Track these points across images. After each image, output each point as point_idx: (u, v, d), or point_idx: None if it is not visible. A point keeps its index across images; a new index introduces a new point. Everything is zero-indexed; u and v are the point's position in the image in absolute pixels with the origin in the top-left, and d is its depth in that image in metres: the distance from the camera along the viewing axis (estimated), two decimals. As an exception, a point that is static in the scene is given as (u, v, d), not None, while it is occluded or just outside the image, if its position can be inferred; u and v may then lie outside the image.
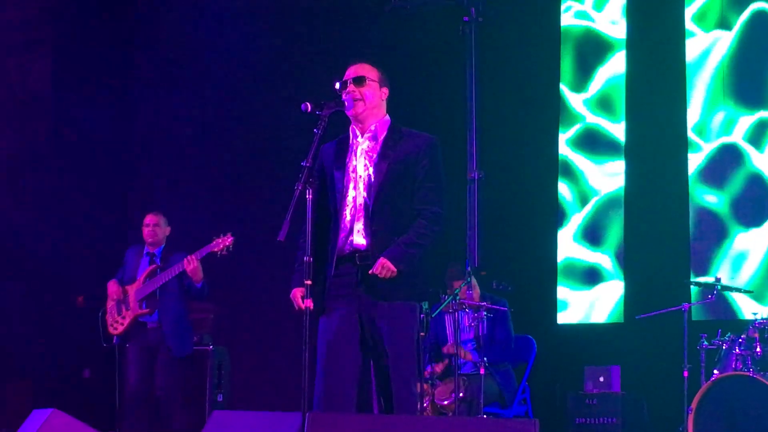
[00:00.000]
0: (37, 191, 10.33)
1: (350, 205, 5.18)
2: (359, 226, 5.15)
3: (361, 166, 5.21)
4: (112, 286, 8.28)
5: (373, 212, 5.13)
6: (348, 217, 5.17)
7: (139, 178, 11.04)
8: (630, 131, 10.10)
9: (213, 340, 9.45)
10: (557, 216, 10.28)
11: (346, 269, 5.16)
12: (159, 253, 8.36)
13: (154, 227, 8.38)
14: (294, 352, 9.77)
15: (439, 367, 8.16)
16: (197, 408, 8.99)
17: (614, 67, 10.25)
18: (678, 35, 9.92)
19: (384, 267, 5.03)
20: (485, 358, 7.83)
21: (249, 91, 10.86)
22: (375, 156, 5.20)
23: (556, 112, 10.41)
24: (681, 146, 9.78)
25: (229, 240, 8.00)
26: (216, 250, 8.00)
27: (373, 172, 5.17)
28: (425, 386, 7.82)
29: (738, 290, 8.40)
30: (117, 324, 8.22)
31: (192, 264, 7.99)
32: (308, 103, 5.05)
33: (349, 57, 5.46)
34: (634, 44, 10.20)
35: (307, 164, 4.89)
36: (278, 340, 10.09)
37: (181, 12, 11.04)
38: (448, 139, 5.69)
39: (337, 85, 5.22)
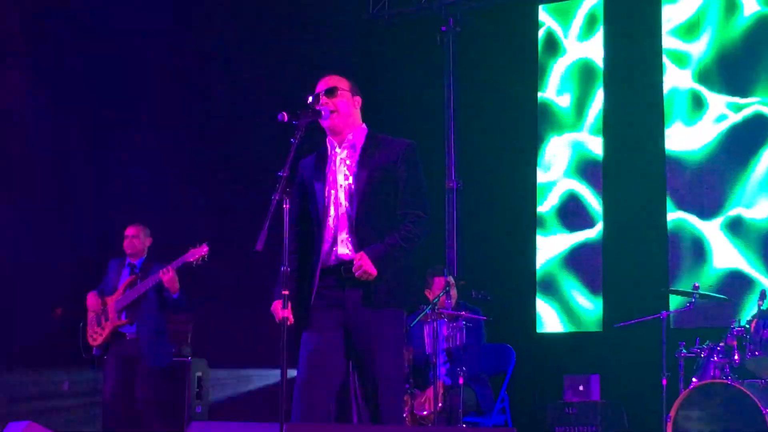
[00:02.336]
0: (12, 202, 10.28)
1: (333, 216, 5.16)
2: (343, 236, 5.13)
3: (341, 176, 5.20)
4: (91, 298, 8.27)
5: (356, 221, 5.11)
6: (331, 228, 5.15)
7: (118, 188, 10.99)
8: (608, 143, 10.14)
9: (192, 351, 9.42)
10: (536, 225, 10.30)
11: (332, 281, 5.13)
12: (139, 264, 8.34)
13: (133, 239, 8.37)
14: (272, 364, 9.78)
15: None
16: (176, 419, 8.96)
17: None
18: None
19: (362, 269, 4.98)
20: (463, 368, 7.82)
21: (226, 101, 10.85)
22: (354, 165, 5.19)
23: (534, 120, 10.44)
24: (658, 154, 9.82)
25: (204, 250, 7.98)
26: (191, 260, 7.97)
27: (353, 181, 5.16)
28: (405, 397, 7.81)
29: (716, 298, 8.41)
30: (96, 335, 8.20)
31: (168, 274, 7.97)
32: (284, 113, 5.03)
33: (327, 66, 5.46)
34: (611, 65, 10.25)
35: (284, 174, 4.86)
36: (257, 351, 10.06)
37: (156, 21, 11.00)
38: (427, 148, 5.68)
39: (310, 99, 5.21)
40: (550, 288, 10.22)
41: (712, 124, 9.67)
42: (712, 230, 9.59)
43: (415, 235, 5.13)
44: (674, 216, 9.74)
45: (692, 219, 9.68)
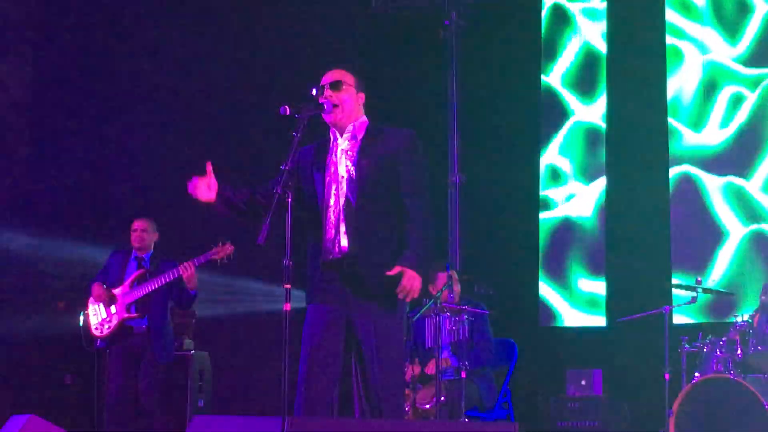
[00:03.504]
0: (16, 196, 10.28)
1: (333, 206, 5.15)
2: (345, 227, 5.12)
3: (342, 166, 5.19)
4: (97, 289, 8.22)
5: (357, 211, 5.10)
6: (332, 218, 5.15)
7: (119, 183, 10.99)
8: (611, 128, 10.11)
9: (194, 345, 9.42)
10: (539, 219, 10.29)
11: (334, 274, 5.12)
12: (148, 258, 8.33)
13: (142, 232, 8.36)
14: (274, 357, 9.74)
15: (417, 369, 8.13)
16: (178, 413, 8.95)
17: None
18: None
19: (411, 287, 4.98)
20: (466, 363, 7.82)
21: (227, 95, 10.84)
22: (355, 154, 5.19)
23: (537, 114, 10.42)
24: (662, 147, 9.80)
25: (230, 249, 7.97)
26: (216, 258, 7.98)
27: (354, 171, 5.16)
28: (407, 391, 7.81)
29: (719, 292, 8.41)
30: (103, 327, 8.18)
31: (189, 271, 7.97)
32: (287, 106, 5.02)
33: (330, 60, 5.45)
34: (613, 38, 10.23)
35: (286, 167, 4.86)
36: (259, 344, 10.06)
37: (161, 18, 11.01)
38: (430, 143, 5.67)
39: (314, 91, 5.20)
40: (555, 273, 10.21)
41: (721, 124, 9.63)
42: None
43: (432, 232, 5.17)
44: (678, 169, 9.68)
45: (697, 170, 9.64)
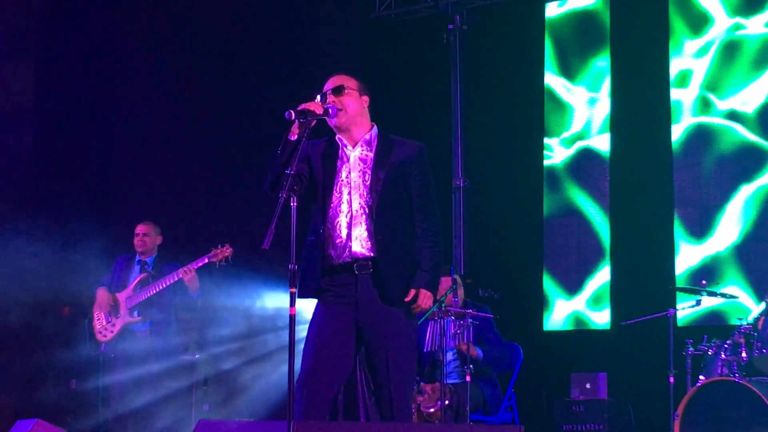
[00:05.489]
0: (19, 200, 10.29)
1: (345, 212, 5.16)
2: (358, 232, 5.13)
3: (355, 174, 5.20)
4: (102, 293, 8.27)
5: (375, 220, 5.12)
6: (344, 225, 5.15)
7: (124, 187, 11.01)
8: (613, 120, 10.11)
9: (199, 349, 9.43)
10: (543, 222, 10.29)
11: (345, 278, 5.14)
12: (151, 261, 8.36)
13: (144, 236, 8.39)
14: (280, 362, 9.75)
15: (428, 387, 8.07)
16: (183, 417, 8.97)
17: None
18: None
19: (425, 306, 5.15)
20: (470, 366, 7.82)
21: (232, 100, 10.85)
22: (371, 164, 5.20)
23: (541, 118, 10.42)
24: (666, 153, 9.80)
25: (228, 251, 8.00)
26: (214, 260, 8.00)
27: (371, 180, 5.17)
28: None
29: (723, 295, 8.40)
30: (106, 331, 8.21)
31: (189, 274, 7.99)
32: (292, 111, 5.04)
33: (334, 66, 5.48)
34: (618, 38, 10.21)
35: (291, 172, 4.86)
36: (264, 349, 10.06)
37: (163, 22, 11.03)
38: (434, 147, 5.69)
39: (318, 98, 5.22)
40: (560, 276, 10.22)
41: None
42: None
43: (441, 246, 5.27)
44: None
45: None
